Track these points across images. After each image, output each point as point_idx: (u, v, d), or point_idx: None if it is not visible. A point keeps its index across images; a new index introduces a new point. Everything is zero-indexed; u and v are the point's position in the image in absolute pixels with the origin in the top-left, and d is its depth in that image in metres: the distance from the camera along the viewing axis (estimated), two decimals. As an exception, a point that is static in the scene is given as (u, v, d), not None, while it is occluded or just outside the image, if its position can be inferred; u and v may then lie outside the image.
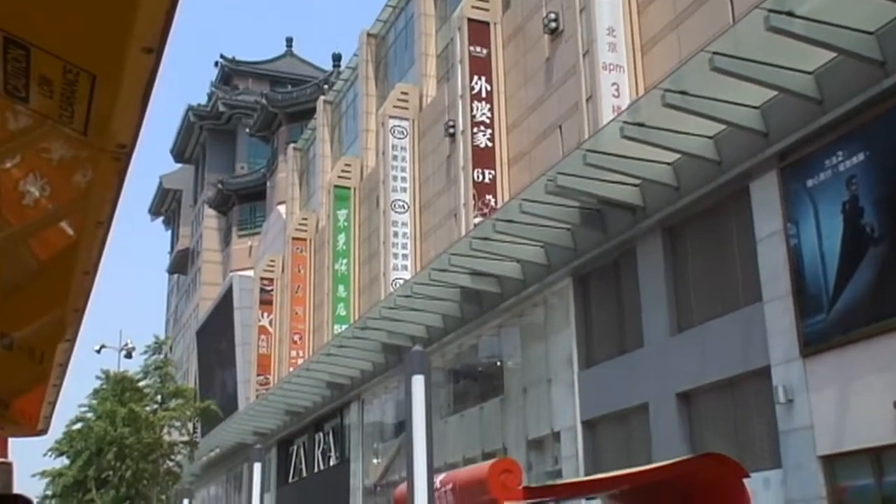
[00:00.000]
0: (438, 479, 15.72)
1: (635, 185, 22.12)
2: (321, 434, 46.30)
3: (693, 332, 20.78)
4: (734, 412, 19.69)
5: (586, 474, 22.80)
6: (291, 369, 48.10)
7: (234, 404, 57.84)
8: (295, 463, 50.78)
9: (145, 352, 25.86)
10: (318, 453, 46.53)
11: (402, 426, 37.54)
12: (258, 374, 57.01)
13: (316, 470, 46.57)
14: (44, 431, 3.24)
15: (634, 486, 15.42)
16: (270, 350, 56.93)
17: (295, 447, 51.00)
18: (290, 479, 51.26)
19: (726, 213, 20.39)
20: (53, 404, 3.05)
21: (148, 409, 24.38)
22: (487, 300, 29.02)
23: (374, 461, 38.49)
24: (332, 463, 44.84)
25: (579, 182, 22.06)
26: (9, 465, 5.99)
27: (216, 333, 66.85)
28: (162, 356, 25.84)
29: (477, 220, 29.66)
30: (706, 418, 20.50)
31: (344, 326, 41.02)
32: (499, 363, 29.89)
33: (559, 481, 16.68)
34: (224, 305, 64.95)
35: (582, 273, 25.16)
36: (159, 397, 24.86)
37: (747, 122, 18.68)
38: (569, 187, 22.15)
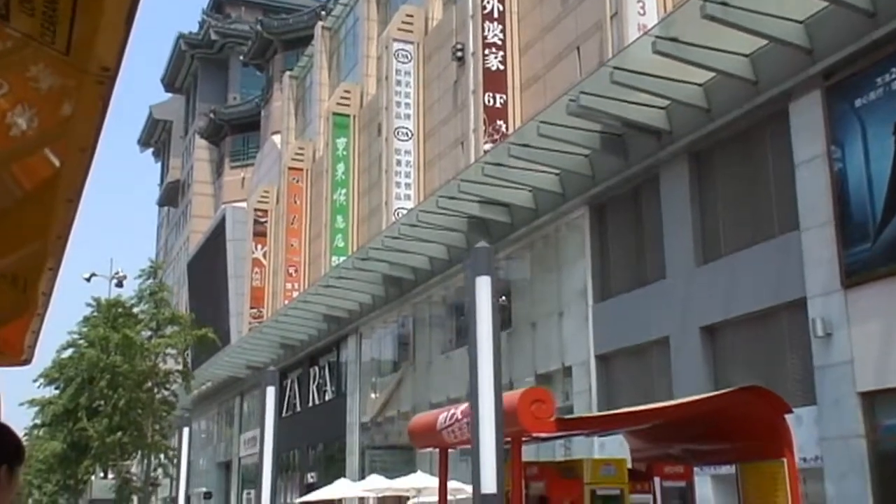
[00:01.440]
0: (459, 409, 14.65)
1: (662, 108, 20.89)
2: (316, 368, 45.43)
3: (720, 263, 19.72)
4: (764, 347, 18.71)
5: (599, 410, 21.90)
6: (286, 302, 47.06)
7: (227, 338, 56.88)
8: (289, 397, 49.96)
9: (139, 276, 24.76)
10: (313, 388, 45.71)
11: (402, 360, 36.81)
12: (251, 307, 55.98)
13: (311, 404, 45.78)
14: (28, 361, 3.15)
15: (668, 420, 14.40)
16: (264, 283, 55.84)
17: (289, 381, 50.15)
18: (284, 414, 50.51)
19: (761, 137, 19.20)
20: (37, 334, 2.97)
21: (143, 335, 23.28)
22: (496, 230, 27.87)
23: (373, 396, 37.64)
24: (327, 398, 44.04)
25: (603, 103, 20.80)
26: None
27: (208, 266, 65.68)
28: (157, 281, 24.71)
29: (487, 146, 28.38)
30: (732, 353, 19.53)
31: (342, 258, 39.89)
32: (507, 296, 28.82)
33: (593, 413, 15.74)
34: (216, 237, 63.70)
35: (599, 202, 24.01)
36: (154, 324, 23.73)
37: (791, 37, 17.41)
38: (592, 108, 20.89)
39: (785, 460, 13.77)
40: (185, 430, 17.64)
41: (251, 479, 56.31)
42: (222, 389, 60.00)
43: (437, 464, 16.72)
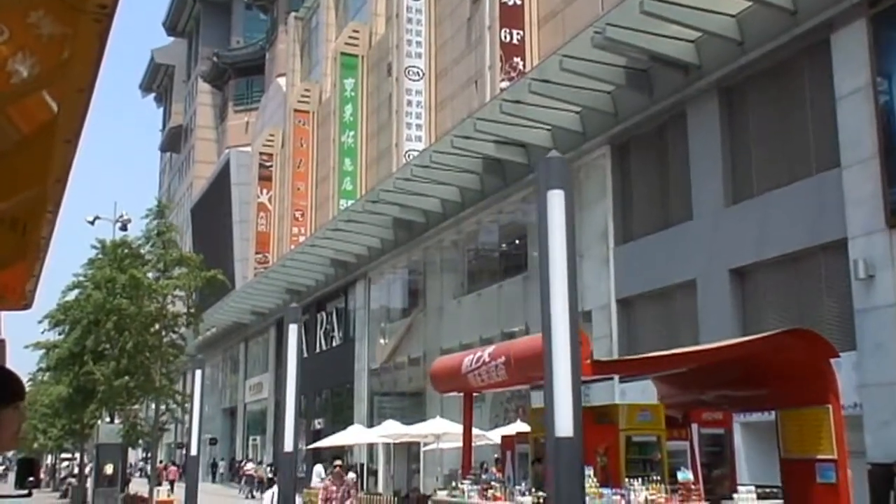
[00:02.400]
0: (486, 351, 13.98)
1: (691, 41, 19.95)
2: (324, 314, 44.85)
3: (751, 204, 18.90)
4: (798, 290, 17.96)
5: (620, 355, 21.25)
6: (293, 247, 46.34)
7: (231, 283, 56.28)
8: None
9: (145, 216, 23.98)
10: (319, 334, 45.16)
11: (412, 306, 36.15)
12: (256, 253, 55.28)
13: (318, 350, 45.25)
14: (28, 305, 3.12)
15: (707, 363, 13.71)
16: (269, 227, 55.07)
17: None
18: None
19: (798, 70, 18.29)
20: (38, 278, 2.93)
21: (150, 276, 22.56)
22: (512, 171, 27.04)
23: (382, 342, 37.04)
24: (335, 344, 43.50)
25: (630, 35, 19.84)
26: (1, 342, 5.57)
27: (212, 211, 64.89)
28: (164, 221, 23.95)
29: (503, 84, 27.40)
30: (763, 296, 18.78)
31: (350, 202, 39.09)
32: (522, 239, 28.07)
33: (630, 356, 15.05)
34: (220, 182, 62.81)
35: (621, 141, 23.14)
36: (162, 265, 22.98)
37: (834, -38, 16.45)
38: (618, 41, 19.95)
39: (830, 407, 13.07)
40: (198, 373, 16.99)
41: (256, 424, 56.09)
42: (226, 336, 59.54)
43: (462, 409, 16.09)
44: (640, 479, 12.39)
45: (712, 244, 19.58)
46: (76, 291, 25.55)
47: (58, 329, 30.71)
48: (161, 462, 53.15)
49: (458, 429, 21.17)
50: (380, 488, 33.77)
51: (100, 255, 25.87)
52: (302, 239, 45.70)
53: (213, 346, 62.42)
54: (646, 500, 12.16)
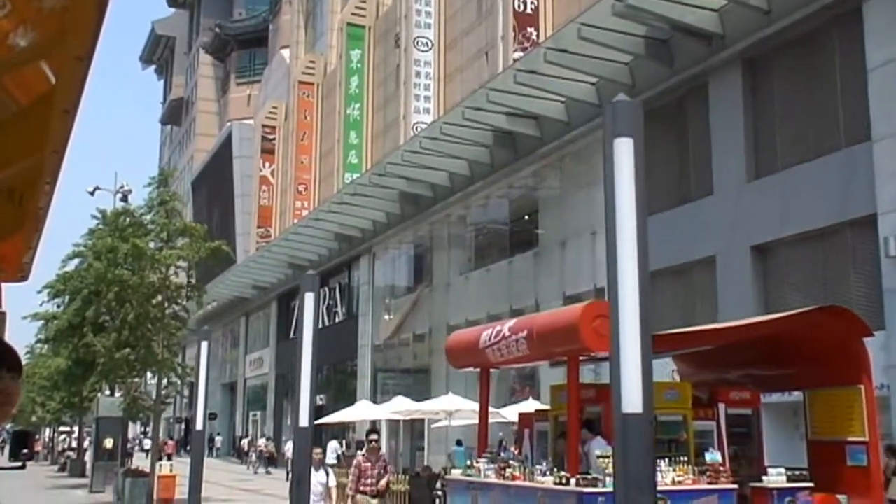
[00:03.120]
0: (506, 325, 13.43)
1: (714, 10, 19.31)
2: (326, 289, 44.28)
3: (775, 178, 18.32)
4: (823, 267, 17.40)
5: (634, 334, 20.71)
6: (295, 221, 45.77)
7: (232, 257, 55.74)
8: (297, 318, 48.85)
9: (148, 184, 23.35)
10: (322, 309, 44.58)
11: (418, 281, 35.62)
12: (258, 227, 54.69)
13: (320, 326, 44.48)
14: (25, 277, 3.12)
15: (734, 341, 13.16)
16: (272, 201, 54.46)
17: (297, 302, 49.00)
18: (291, 335, 49.60)
19: (826, 41, 17.65)
20: (35, 250, 2.90)
21: (153, 245, 21.97)
22: (523, 145, 26.44)
23: (386, 318, 36.51)
24: (338, 319, 43.01)
25: (651, 3, 19.21)
26: (2, 315, 5.32)
27: (213, 185, 64.26)
28: (167, 190, 23.34)
29: (517, 54, 26.75)
30: (786, 274, 18.23)
31: (355, 175, 38.48)
32: (533, 214, 27.49)
33: (660, 331, 14.50)
34: (222, 155, 62.12)
35: (638, 114, 22.50)
36: (165, 234, 22.39)
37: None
38: (639, 8, 19.32)
39: (862, 387, 12.57)
40: (204, 345, 16.41)
41: (257, 400, 55.70)
42: (227, 310, 59.00)
43: (479, 385, 15.56)
44: (666, 460, 11.88)
45: (733, 220, 19.02)
46: (76, 261, 24.99)
47: (57, 300, 30.20)
48: (171, 439, 52.81)
49: (471, 405, 20.70)
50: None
51: (100, 226, 25.26)
52: (305, 213, 45.12)
53: (213, 321, 61.82)
54: (673, 481, 11.66)
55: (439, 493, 17.09)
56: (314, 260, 43.13)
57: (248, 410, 56.95)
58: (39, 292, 27.45)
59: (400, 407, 22.78)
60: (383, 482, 12.84)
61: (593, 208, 24.13)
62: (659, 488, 11.74)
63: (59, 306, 31.58)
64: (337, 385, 42.68)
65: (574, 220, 24.76)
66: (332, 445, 26.86)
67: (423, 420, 29.19)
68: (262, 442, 45.47)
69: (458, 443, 30.17)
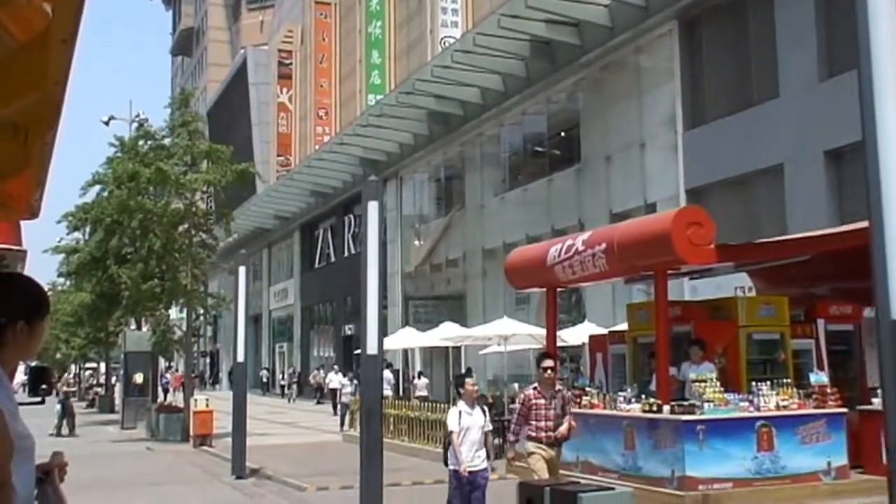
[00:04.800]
0: (580, 239, 12.18)
1: None
2: (351, 217, 43.05)
3: (852, 77, 16.72)
4: (909, 171, 15.96)
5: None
6: (317, 147, 44.33)
7: (252, 188, 54.51)
8: (321, 248, 47.84)
9: (170, 104, 21.94)
10: (347, 237, 43.46)
11: (449, 205, 34.34)
12: (278, 155, 53.28)
13: (346, 255, 43.63)
14: (35, 215, 3.09)
15: (838, 249, 11.84)
16: (290, 128, 52.93)
17: (321, 231, 47.95)
18: (316, 265, 48.57)
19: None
20: (43, 187, 2.90)
21: (177, 170, 20.68)
22: (563, 54, 24.87)
23: (416, 243, 35.26)
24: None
25: None
26: (23, 253, 5.84)
27: (229, 114, 62.64)
28: (189, 110, 21.99)
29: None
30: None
31: (379, 96, 36.90)
32: (573, 129, 26.02)
33: (759, 240, 13.27)
34: (237, 83, 60.39)
35: (691, 15, 20.93)
36: (188, 157, 21.09)
37: None
38: None
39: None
40: (241, 270, 15.34)
41: (282, 331, 54.90)
42: (247, 242, 57.77)
43: (546, 306, 14.35)
44: (768, 383, 10.68)
45: (803, 124, 17.57)
46: (96, 190, 23.75)
47: (77, 233, 29.11)
48: (177, 371, 52.12)
49: (528, 329, 19.53)
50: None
51: (118, 154, 23.96)
52: (326, 139, 43.67)
53: (234, 254, 60.86)
54: (777, 406, 10.48)
55: (497, 421, 15.96)
56: (338, 187, 41.83)
57: (273, 343, 56.22)
58: (59, 222, 26.30)
59: (449, 333, 21.59)
60: (564, 427, 8.94)
61: (641, 119, 22.71)
62: (762, 414, 10.59)
63: (78, 241, 30.50)
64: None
65: (620, 133, 23.32)
66: (386, 376, 25.60)
67: (459, 348, 28.13)
68: (332, 377, 44.20)
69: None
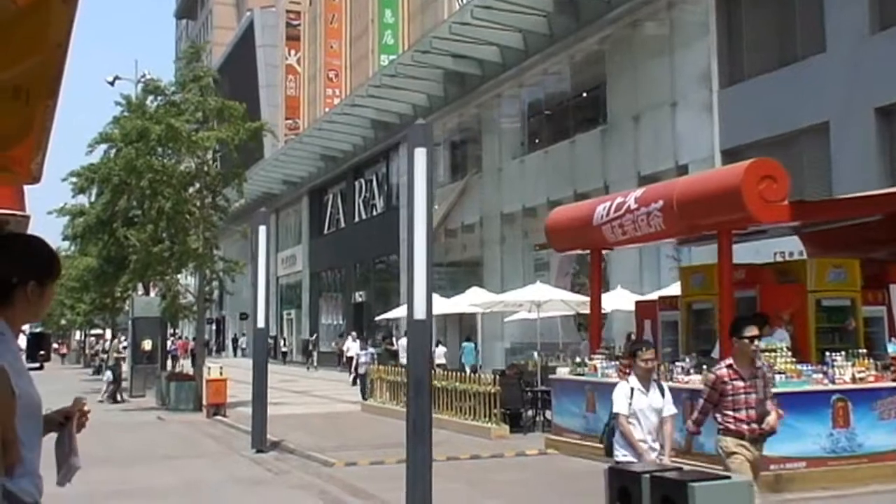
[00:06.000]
0: (631, 196, 11.27)
1: None
2: (362, 181, 42.11)
3: (906, 28, 15.81)
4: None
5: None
6: (327, 110, 43.31)
7: (259, 152, 53.50)
8: (331, 213, 46.90)
9: (180, 58, 20.88)
10: (358, 202, 42.52)
11: (465, 168, 33.34)
12: (286, 118, 52.19)
13: (356, 220, 42.71)
14: (37, 179, 3.05)
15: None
16: (299, 91, 51.82)
17: (330, 196, 46.99)
18: (326, 231, 47.65)
19: None
20: (45, 150, 2.85)
21: (188, 126, 19.67)
22: (588, 9, 23.86)
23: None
24: (375, 212, 40.90)
25: None
26: (26, 218, 5.60)
27: (235, 77, 61.26)
28: (200, 65, 21.01)
29: None
30: (919, 139, 15.88)
31: (392, 57, 35.84)
32: (598, 88, 25.00)
33: (836, 196, 12.37)
34: (243, 45, 59.20)
35: (728, -34, 19.89)
36: (200, 114, 20.11)
37: None
38: None
39: None
40: (262, 230, 14.49)
41: (290, 298, 54.08)
42: (255, 208, 56.80)
43: (590, 268, 13.44)
44: (843, 353, 9.80)
45: (852, 80, 16.60)
46: (103, 148, 22.72)
47: (83, 196, 28.17)
48: (182, 338, 51.37)
49: (561, 295, 18.63)
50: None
51: (125, 113, 22.94)
52: (336, 101, 42.61)
53: (240, 219, 59.88)
54: (853, 377, 9.60)
55: (528, 392, 15.16)
56: (348, 150, 40.89)
57: (281, 309, 55.45)
58: (64, 180, 25.30)
59: (478, 299, 20.66)
60: (773, 417, 6.72)
61: (673, 77, 21.72)
62: (837, 387, 9.71)
63: (80, 206, 29.58)
64: (377, 280, 40.84)
65: (649, 92, 22.33)
66: (440, 351, 24.80)
67: (474, 315, 27.26)
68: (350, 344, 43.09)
69: (468, 339, 28.26)
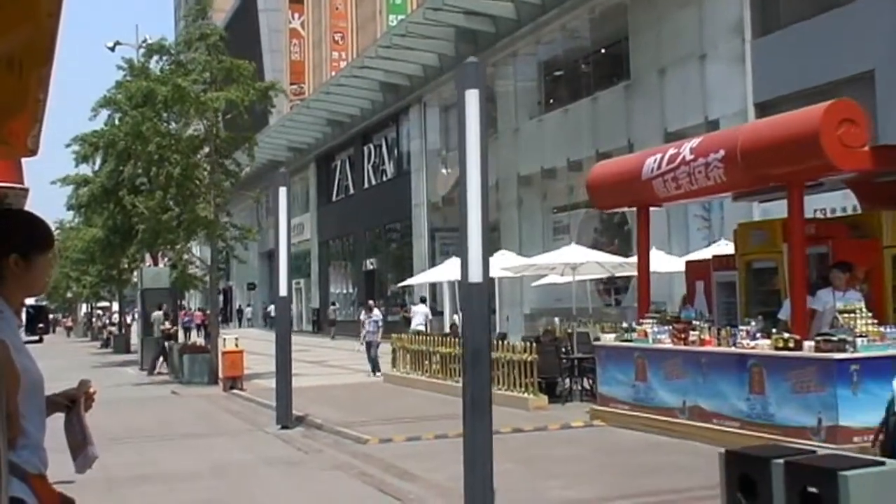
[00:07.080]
0: (685, 147, 10.40)
1: None
2: (371, 146, 41.17)
3: (960, -33, 14.83)
4: None
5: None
6: (333, 73, 42.28)
7: (263, 119, 52.49)
8: (339, 180, 45.98)
9: (186, 16, 20.00)
10: (367, 168, 41.61)
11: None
12: (291, 83, 51.11)
13: (366, 186, 41.81)
14: (34, 152, 2.92)
15: None
16: (304, 55, 50.75)
17: (338, 162, 46.05)
18: (334, 198, 46.75)
19: None
20: (41, 122, 2.74)
21: (196, 87, 18.78)
22: (610, -40, 22.84)
23: (444, 171, 33.42)
24: (386, 178, 39.99)
25: None
26: (25, 191, 5.62)
27: (238, 43, 59.98)
28: (207, 23, 20.12)
29: None
30: (975, 85, 14.96)
31: (400, 16, 34.81)
32: (620, 42, 24.02)
33: None
34: (245, 10, 58.01)
35: None
36: (208, 75, 19.21)
37: None
38: None
39: None
40: (282, 191, 13.73)
41: (298, 267, 53.27)
42: (260, 176, 56.04)
43: (638, 226, 12.58)
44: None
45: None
46: (107, 114, 21.79)
47: (86, 165, 27.33)
48: (193, 309, 50.67)
49: (597, 257, 17.75)
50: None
51: (128, 78, 22.02)
52: (343, 64, 41.55)
53: (246, 188, 59.03)
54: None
55: (565, 360, 14.36)
56: (356, 115, 39.93)
57: (289, 279, 54.70)
58: (68, 146, 24.44)
59: (508, 262, 19.76)
60: None
61: (702, 27, 20.75)
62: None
63: (83, 176, 28.75)
64: (388, 246, 40.03)
65: (676, 44, 21.38)
66: (421, 309, 23.66)
67: (493, 280, 26.45)
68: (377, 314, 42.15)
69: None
